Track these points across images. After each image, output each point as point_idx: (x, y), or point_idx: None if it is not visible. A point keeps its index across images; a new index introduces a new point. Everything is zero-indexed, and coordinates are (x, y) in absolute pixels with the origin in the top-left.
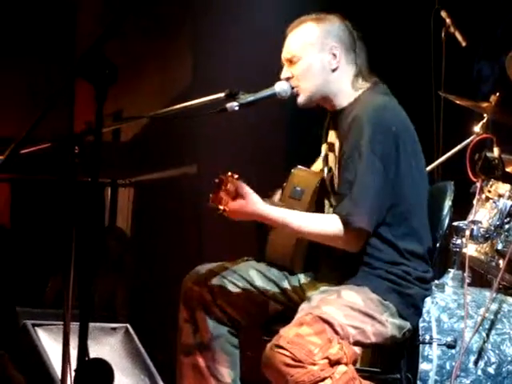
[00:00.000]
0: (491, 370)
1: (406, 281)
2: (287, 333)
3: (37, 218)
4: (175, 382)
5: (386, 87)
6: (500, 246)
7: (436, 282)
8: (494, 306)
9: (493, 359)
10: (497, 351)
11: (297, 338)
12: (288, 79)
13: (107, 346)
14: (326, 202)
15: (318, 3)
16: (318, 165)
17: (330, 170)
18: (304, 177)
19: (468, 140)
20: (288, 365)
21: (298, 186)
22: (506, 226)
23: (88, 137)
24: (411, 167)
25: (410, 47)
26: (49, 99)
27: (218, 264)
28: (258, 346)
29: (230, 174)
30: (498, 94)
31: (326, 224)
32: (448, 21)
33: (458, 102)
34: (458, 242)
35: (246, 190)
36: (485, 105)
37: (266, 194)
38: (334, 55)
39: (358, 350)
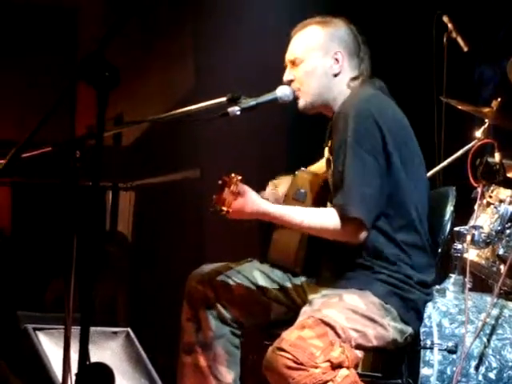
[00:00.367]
0: (492, 375)
1: (407, 285)
2: (289, 336)
3: (38, 221)
4: None
5: (380, 82)
6: (501, 251)
7: (437, 287)
8: (494, 311)
9: (494, 364)
10: (498, 356)
11: (299, 340)
12: (290, 81)
13: (108, 350)
14: (328, 204)
15: (321, 6)
16: (318, 165)
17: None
18: (307, 179)
19: (469, 145)
20: (290, 368)
21: (301, 188)
22: (507, 231)
23: (89, 141)
24: (402, 156)
25: (412, 52)
26: (51, 102)
27: (223, 264)
28: (259, 349)
29: (233, 175)
30: (499, 99)
31: (325, 218)
32: (450, 26)
33: (459, 107)
34: (459, 247)
35: (246, 188)
36: (486, 110)
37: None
38: (337, 60)
39: (359, 353)
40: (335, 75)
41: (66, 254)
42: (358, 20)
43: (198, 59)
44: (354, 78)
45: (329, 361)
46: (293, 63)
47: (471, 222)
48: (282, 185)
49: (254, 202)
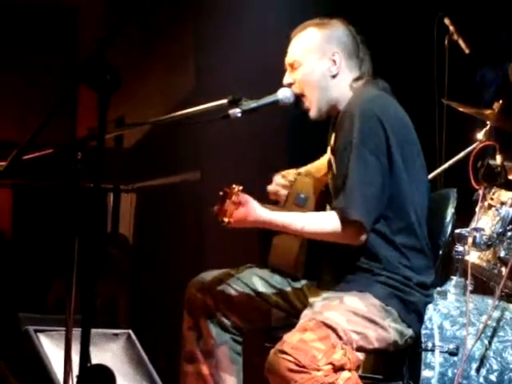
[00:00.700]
0: (493, 377)
1: (407, 287)
2: (291, 338)
3: (39, 223)
4: None
5: (384, 83)
6: (502, 254)
7: (438, 289)
8: (496, 314)
9: (495, 367)
10: (499, 359)
11: (301, 343)
12: (290, 85)
13: (109, 352)
14: (328, 206)
15: (321, 7)
16: (318, 165)
17: (332, 174)
18: (307, 183)
19: (471, 147)
20: (292, 370)
21: (301, 192)
22: (509, 234)
23: (91, 143)
24: (404, 158)
25: (414, 54)
26: (52, 103)
27: (222, 271)
28: (260, 352)
29: (234, 186)
30: (500, 101)
31: (326, 221)
32: (451, 28)
33: (461, 109)
34: (461, 249)
35: (247, 198)
36: (488, 112)
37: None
38: (334, 61)
39: (361, 355)
40: (333, 76)
41: (68, 256)
42: (359, 22)
43: (199, 60)
44: (357, 79)
45: (331, 363)
46: (292, 66)
47: (472, 225)
48: (289, 176)
49: (255, 211)
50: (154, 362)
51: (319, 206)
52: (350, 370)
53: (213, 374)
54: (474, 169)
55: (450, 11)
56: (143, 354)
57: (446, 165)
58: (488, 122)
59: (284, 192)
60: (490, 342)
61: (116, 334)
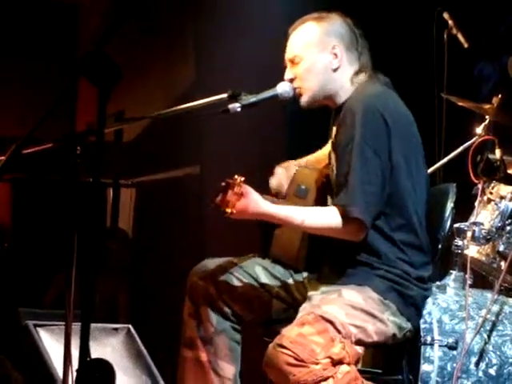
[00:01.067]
0: (492, 371)
1: (406, 281)
2: (289, 332)
3: (38, 218)
4: (176, 382)
5: (386, 78)
6: (502, 248)
7: (438, 283)
8: (495, 308)
9: (494, 361)
10: (498, 353)
11: (299, 337)
12: (291, 80)
13: (109, 347)
14: (329, 198)
15: (320, 3)
16: (319, 155)
17: (332, 168)
18: (308, 175)
19: (470, 142)
20: (290, 364)
21: (302, 184)
22: (508, 228)
23: (90, 137)
24: (406, 155)
25: (413, 49)
26: (52, 99)
27: (224, 259)
28: (259, 346)
29: (236, 176)
30: (500, 95)
31: (327, 217)
32: (450, 22)
33: (460, 103)
34: (460, 243)
35: (249, 189)
36: (487, 106)
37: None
38: (336, 55)
39: (359, 349)
40: (335, 70)
41: (67, 251)
42: (358, 17)
43: (199, 56)
44: (357, 73)
45: (329, 357)
46: (292, 62)
47: (472, 219)
48: (290, 167)
49: (256, 202)
50: (153, 356)
51: (320, 198)
52: (348, 363)
53: (211, 361)
54: (473, 163)
55: (449, 5)
56: (143, 349)
57: (446, 159)
58: (487, 117)
59: (285, 185)
60: (489, 336)
61: (116, 329)
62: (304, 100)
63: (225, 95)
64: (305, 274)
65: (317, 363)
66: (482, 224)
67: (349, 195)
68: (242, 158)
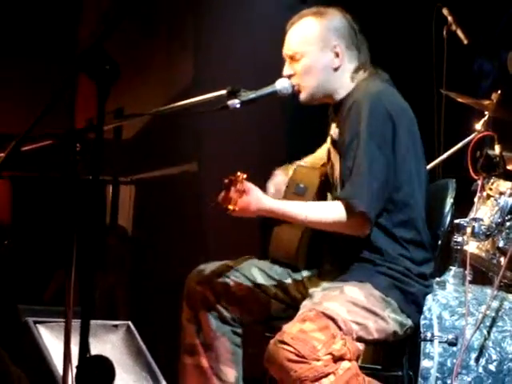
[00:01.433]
0: (492, 367)
1: (407, 278)
2: (291, 329)
3: (38, 215)
4: (176, 379)
5: (386, 74)
6: (501, 244)
7: (437, 279)
8: (495, 304)
9: (494, 356)
10: (498, 348)
11: (300, 333)
12: (290, 76)
13: (109, 344)
14: (329, 195)
15: None
16: (317, 155)
17: (331, 164)
18: (306, 173)
19: (469, 138)
20: (292, 360)
21: (300, 182)
22: (508, 224)
23: (89, 134)
24: (409, 153)
25: (412, 45)
26: (51, 96)
27: (221, 263)
28: (259, 342)
29: (238, 173)
30: (499, 91)
31: (330, 211)
32: (450, 18)
33: (459, 99)
34: (460, 239)
35: (251, 186)
36: (486, 102)
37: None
38: (337, 54)
39: (360, 346)
40: (335, 69)
41: (67, 248)
42: (357, 13)
43: (199, 53)
44: (357, 70)
45: (330, 353)
46: (292, 58)
47: (471, 215)
48: (289, 171)
49: (258, 199)
50: (153, 353)
51: (319, 196)
52: (349, 360)
53: (212, 366)
54: (473, 159)
55: (449, 1)
56: (143, 346)
57: (445, 155)
58: (486, 112)
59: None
60: (488, 332)
61: (115, 326)
62: (303, 97)
63: (224, 91)
64: (304, 273)
65: (318, 359)
66: (482, 220)
67: (353, 189)
68: (242, 155)
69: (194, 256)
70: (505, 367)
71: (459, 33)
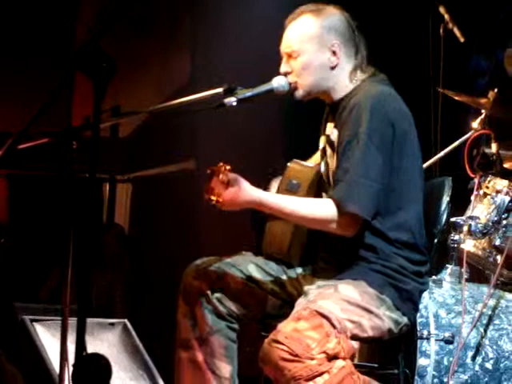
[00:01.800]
0: (489, 365)
1: (402, 275)
2: (285, 328)
3: (35, 213)
4: (173, 377)
5: (384, 76)
6: (498, 242)
7: (434, 277)
8: (491, 302)
9: (490, 355)
10: (494, 347)
11: (294, 332)
12: (287, 74)
13: (105, 342)
14: (324, 194)
15: None
16: (315, 158)
17: (326, 163)
18: (300, 170)
19: (466, 136)
20: (286, 359)
21: (294, 179)
22: (504, 222)
23: (86, 132)
24: (407, 157)
25: (409, 43)
26: (47, 94)
27: (217, 258)
28: (255, 341)
29: (221, 164)
30: (495, 89)
31: (320, 208)
32: (446, 16)
33: (456, 97)
34: (456, 237)
35: (236, 177)
36: (483, 101)
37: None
38: (334, 52)
39: (355, 344)
40: (333, 67)
41: (63, 246)
42: (354, 10)
43: (195, 51)
44: (355, 69)
45: (324, 352)
46: (289, 56)
47: (468, 213)
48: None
49: (245, 190)
50: (149, 351)
51: (311, 193)
52: (344, 358)
53: (207, 361)
54: (470, 157)
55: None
56: (139, 344)
57: (442, 153)
58: (483, 111)
59: None
60: (485, 330)
61: (112, 324)
62: (299, 94)
63: (220, 89)
64: (298, 270)
65: (312, 358)
66: (478, 218)
67: (348, 189)
68: (238, 153)
69: (191, 254)
70: (501, 365)
71: (456, 31)
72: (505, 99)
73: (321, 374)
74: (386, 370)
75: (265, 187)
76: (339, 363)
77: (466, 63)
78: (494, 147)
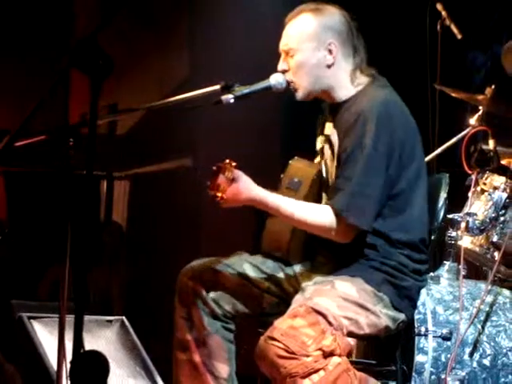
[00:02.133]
0: (486, 361)
1: (401, 273)
2: (281, 324)
3: (32, 210)
4: (170, 374)
5: (385, 80)
6: (495, 238)
7: (431, 274)
8: (489, 298)
9: (488, 351)
10: (492, 343)
11: (290, 329)
12: (284, 71)
13: (103, 339)
14: (324, 194)
15: None
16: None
17: (326, 164)
18: (301, 168)
19: (463, 132)
20: (281, 357)
21: (295, 177)
22: (501, 219)
23: (83, 129)
24: (411, 163)
25: (406, 40)
26: (44, 91)
27: (212, 259)
28: (253, 338)
29: (227, 161)
30: (493, 86)
31: (319, 214)
32: (444, 13)
33: (453, 94)
34: (454, 234)
35: (240, 174)
36: (480, 97)
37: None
38: (330, 51)
39: (351, 341)
40: (329, 66)
41: (61, 244)
42: (352, 7)
43: (194, 48)
44: (355, 70)
45: (320, 349)
46: (287, 53)
47: (465, 209)
48: None
49: (248, 187)
50: (147, 348)
51: (312, 191)
52: (339, 355)
53: (205, 362)
54: (467, 154)
55: None
56: (137, 341)
57: (439, 150)
58: (480, 107)
59: None
60: (483, 327)
61: (110, 321)
62: (299, 95)
63: (218, 87)
64: (296, 268)
65: (308, 355)
66: (476, 215)
67: (349, 200)
68: (236, 150)
69: (189, 252)
70: (499, 362)
71: (453, 28)
72: (502, 96)
73: (317, 370)
74: (384, 367)
75: (276, 187)
76: (335, 360)
77: (464, 60)
78: (491, 144)
